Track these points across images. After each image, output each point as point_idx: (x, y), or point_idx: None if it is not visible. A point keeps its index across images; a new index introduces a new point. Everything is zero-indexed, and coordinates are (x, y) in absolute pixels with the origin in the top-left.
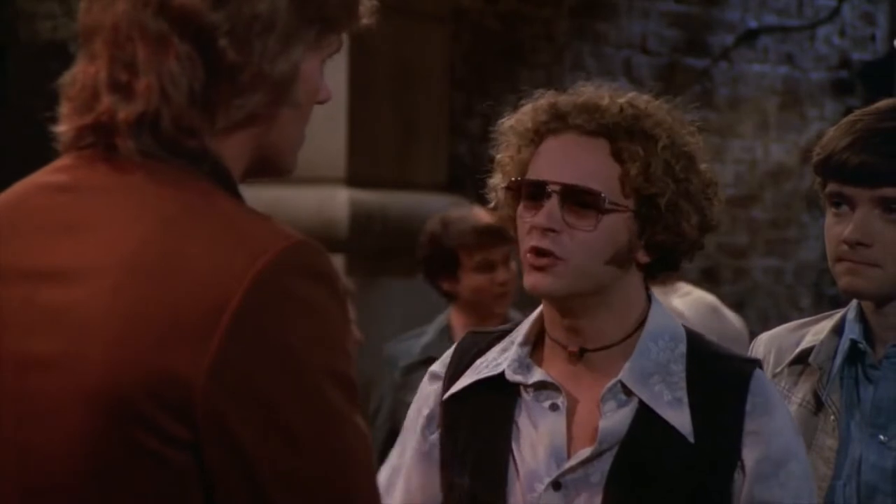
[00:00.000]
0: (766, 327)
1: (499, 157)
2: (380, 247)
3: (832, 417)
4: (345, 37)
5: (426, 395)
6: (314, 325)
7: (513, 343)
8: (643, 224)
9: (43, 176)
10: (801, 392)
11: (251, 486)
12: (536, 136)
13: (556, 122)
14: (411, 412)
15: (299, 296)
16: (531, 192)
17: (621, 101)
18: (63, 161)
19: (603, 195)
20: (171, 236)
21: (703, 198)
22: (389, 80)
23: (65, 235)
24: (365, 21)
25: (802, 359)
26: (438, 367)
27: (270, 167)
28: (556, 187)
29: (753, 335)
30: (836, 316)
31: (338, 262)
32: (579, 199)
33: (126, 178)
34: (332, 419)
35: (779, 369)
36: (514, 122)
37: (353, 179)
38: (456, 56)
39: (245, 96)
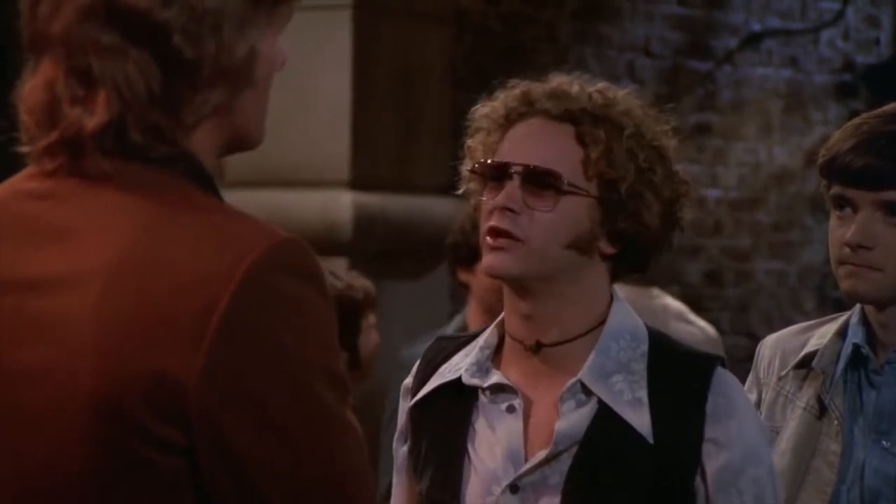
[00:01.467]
0: (770, 330)
1: (469, 142)
2: (383, 249)
3: (835, 422)
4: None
5: (401, 411)
6: (305, 323)
7: (476, 346)
8: (605, 211)
9: (20, 182)
10: (806, 396)
11: (247, 487)
12: (506, 121)
13: (525, 107)
14: None
15: (288, 294)
16: (495, 173)
17: (591, 89)
18: (36, 168)
19: (563, 177)
20: (154, 241)
21: (668, 191)
22: (391, 82)
23: (48, 243)
24: None
25: (806, 363)
26: (408, 379)
27: (240, 147)
28: (518, 168)
29: (757, 338)
30: (841, 319)
31: (341, 264)
32: (540, 181)
33: (102, 185)
34: (327, 418)
35: (784, 373)
36: (488, 109)
37: (357, 182)
38: (457, 57)
39: (207, 91)
